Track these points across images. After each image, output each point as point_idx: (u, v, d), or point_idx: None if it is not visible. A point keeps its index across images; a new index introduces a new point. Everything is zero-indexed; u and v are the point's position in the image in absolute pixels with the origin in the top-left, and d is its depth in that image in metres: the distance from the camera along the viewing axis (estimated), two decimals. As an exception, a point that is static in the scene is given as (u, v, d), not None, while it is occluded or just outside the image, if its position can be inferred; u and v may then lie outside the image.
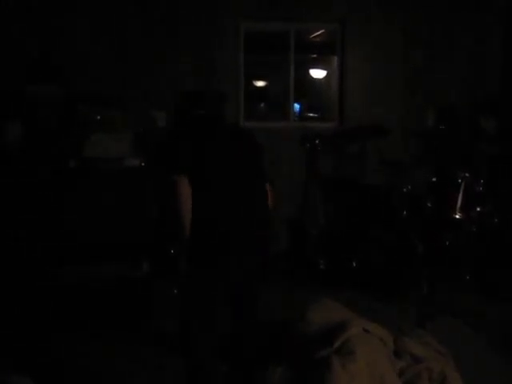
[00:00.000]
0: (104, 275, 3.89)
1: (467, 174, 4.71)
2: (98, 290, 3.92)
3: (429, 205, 4.77)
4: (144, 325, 3.85)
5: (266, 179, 2.94)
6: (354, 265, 4.81)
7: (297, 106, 6.90)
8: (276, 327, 3.52)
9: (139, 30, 5.44)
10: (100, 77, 5.33)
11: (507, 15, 5.98)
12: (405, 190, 4.89)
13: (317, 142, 5.16)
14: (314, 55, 7.67)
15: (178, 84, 5.49)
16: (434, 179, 4.94)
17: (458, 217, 4.67)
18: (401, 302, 4.32)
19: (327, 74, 7.66)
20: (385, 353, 2.99)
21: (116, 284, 3.99)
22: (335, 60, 6.22)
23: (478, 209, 4.75)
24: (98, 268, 3.94)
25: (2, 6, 5.10)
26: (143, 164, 4.99)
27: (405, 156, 5.46)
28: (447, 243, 4.65)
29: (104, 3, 5.38)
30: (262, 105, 8.46)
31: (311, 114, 7.41)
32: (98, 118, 5.07)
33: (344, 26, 5.99)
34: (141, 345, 3.59)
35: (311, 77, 8.17)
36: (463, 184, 4.71)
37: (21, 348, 3.52)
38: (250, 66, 6.23)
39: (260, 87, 9.10)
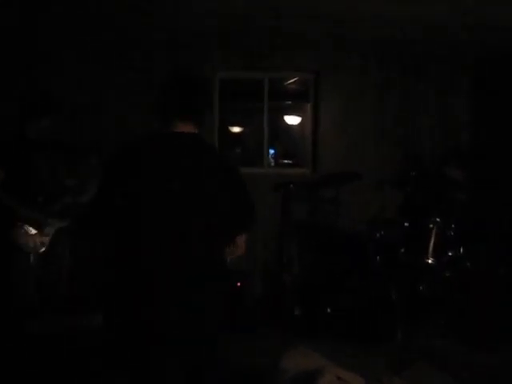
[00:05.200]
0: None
1: (438, 219, 4.78)
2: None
3: (402, 250, 4.82)
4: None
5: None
6: (329, 311, 4.78)
7: (271, 151, 6.98)
8: (249, 375, 3.49)
9: (116, 83, 5.52)
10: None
11: (475, 68, 6.17)
12: (378, 235, 4.93)
13: (291, 187, 5.19)
14: (289, 102, 7.80)
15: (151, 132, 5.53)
16: (406, 224, 5.00)
17: (430, 262, 4.71)
18: (376, 349, 4.30)
19: (302, 120, 7.77)
20: (359, 401, 2.98)
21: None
22: (309, 107, 6.32)
23: (450, 253, 4.81)
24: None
25: None
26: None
27: (376, 202, 5.54)
28: (421, 288, 4.68)
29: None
30: (238, 151, 8.54)
31: (286, 161, 7.50)
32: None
33: (317, 76, 6.13)
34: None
35: (286, 123, 8.29)
36: (434, 229, 4.77)
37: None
38: (225, 112, 6.32)
39: (235, 133, 9.20)
